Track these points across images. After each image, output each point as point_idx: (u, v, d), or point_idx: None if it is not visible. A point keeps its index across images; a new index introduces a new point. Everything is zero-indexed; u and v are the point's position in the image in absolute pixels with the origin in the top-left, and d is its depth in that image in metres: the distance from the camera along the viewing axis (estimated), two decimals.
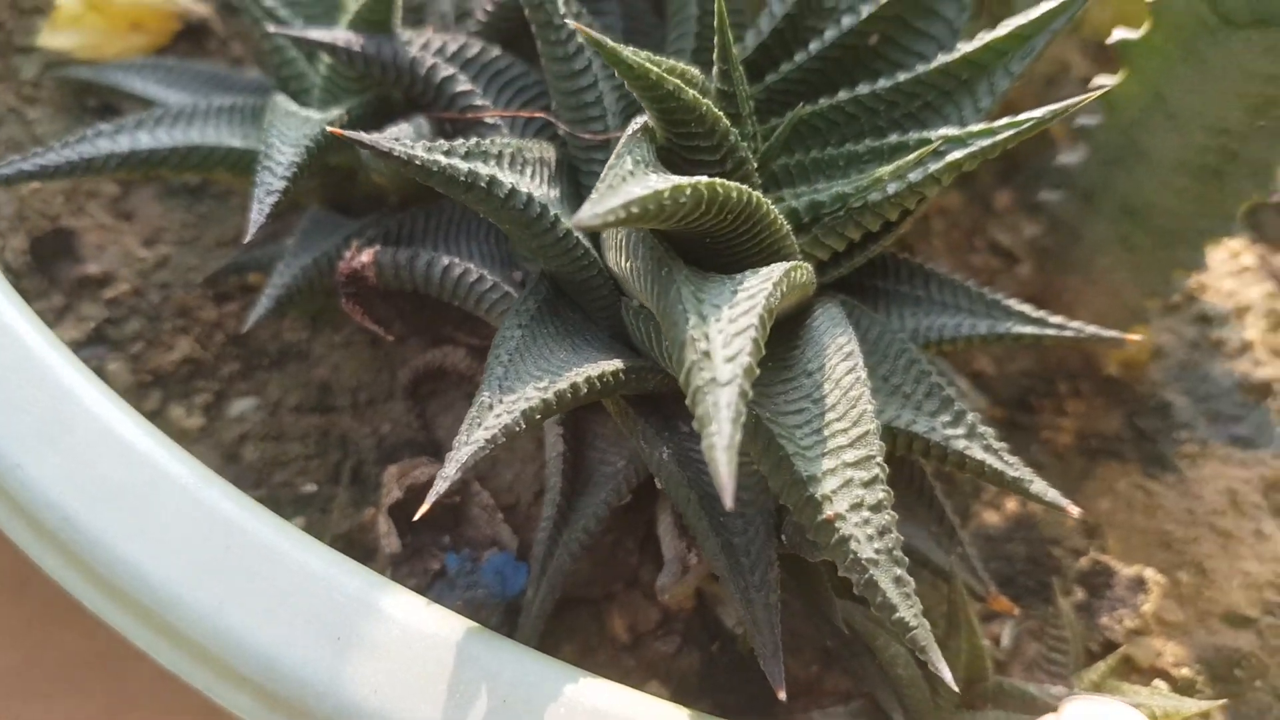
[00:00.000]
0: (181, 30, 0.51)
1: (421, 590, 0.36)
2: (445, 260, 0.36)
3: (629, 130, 0.30)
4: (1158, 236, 0.44)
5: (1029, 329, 0.37)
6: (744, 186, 0.28)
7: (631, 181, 0.26)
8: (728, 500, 0.22)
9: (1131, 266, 0.45)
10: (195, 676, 0.30)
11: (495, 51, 0.39)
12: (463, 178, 0.31)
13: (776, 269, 0.28)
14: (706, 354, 0.25)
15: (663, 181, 0.26)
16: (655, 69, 0.28)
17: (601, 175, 0.27)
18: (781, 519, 0.32)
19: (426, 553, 0.38)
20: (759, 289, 0.27)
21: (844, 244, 0.35)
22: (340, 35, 0.37)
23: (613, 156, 0.28)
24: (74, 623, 0.54)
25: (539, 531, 0.37)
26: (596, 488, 0.37)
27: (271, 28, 0.38)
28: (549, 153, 0.35)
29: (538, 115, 0.36)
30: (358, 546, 0.39)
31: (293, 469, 0.40)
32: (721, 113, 0.31)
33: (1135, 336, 0.38)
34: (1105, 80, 0.42)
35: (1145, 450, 0.48)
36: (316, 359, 0.43)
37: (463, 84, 0.37)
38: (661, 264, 0.28)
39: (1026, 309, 0.37)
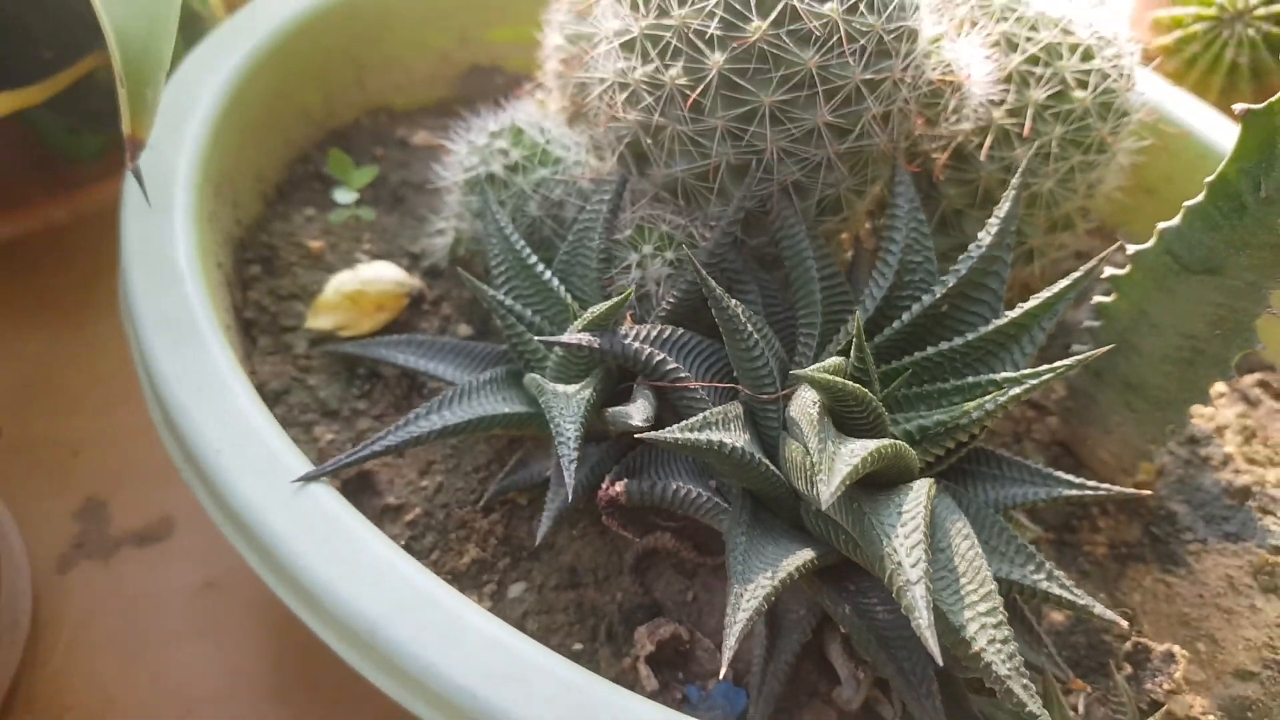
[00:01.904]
0: (409, 301, 0.69)
1: None
2: (675, 485, 0.53)
3: (811, 411, 0.47)
4: (1152, 403, 0.61)
5: (1074, 491, 0.53)
6: (900, 443, 0.45)
7: (838, 459, 0.43)
8: (938, 658, 0.38)
9: (1135, 423, 0.62)
10: None
11: (679, 331, 0.56)
12: (704, 445, 0.48)
13: (921, 492, 0.45)
14: (899, 564, 0.42)
15: (858, 454, 0.43)
16: (839, 380, 0.45)
17: (816, 455, 0.44)
18: None
19: (671, 687, 0.54)
20: (915, 510, 0.44)
21: (944, 450, 0.52)
22: (583, 337, 0.54)
23: (815, 438, 0.45)
24: None
25: (754, 664, 0.53)
26: (788, 631, 0.53)
27: (538, 338, 0.55)
28: (738, 409, 0.52)
29: (726, 385, 0.53)
30: (624, 687, 0.55)
31: (562, 633, 0.56)
32: (862, 386, 0.48)
33: (1146, 493, 0.54)
34: (1102, 299, 0.59)
35: (1160, 551, 0.64)
36: (560, 549, 0.59)
37: (671, 363, 0.54)
38: (850, 501, 0.45)
39: (1071, 478, 0.54)
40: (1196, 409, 0.72)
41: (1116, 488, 0.54)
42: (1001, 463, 0.55)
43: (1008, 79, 0.62)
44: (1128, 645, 0.58)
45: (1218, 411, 0.72)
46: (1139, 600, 0.61)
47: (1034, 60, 0.62)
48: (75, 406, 0.85)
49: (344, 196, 0.73)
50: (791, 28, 0.52)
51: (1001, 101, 0.62)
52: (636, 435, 0.47)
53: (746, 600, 0.46)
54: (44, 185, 0.92)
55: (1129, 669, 0.58)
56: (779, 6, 0.52)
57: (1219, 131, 0.78)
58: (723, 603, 0.57)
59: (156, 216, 0.61)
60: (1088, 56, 0.62)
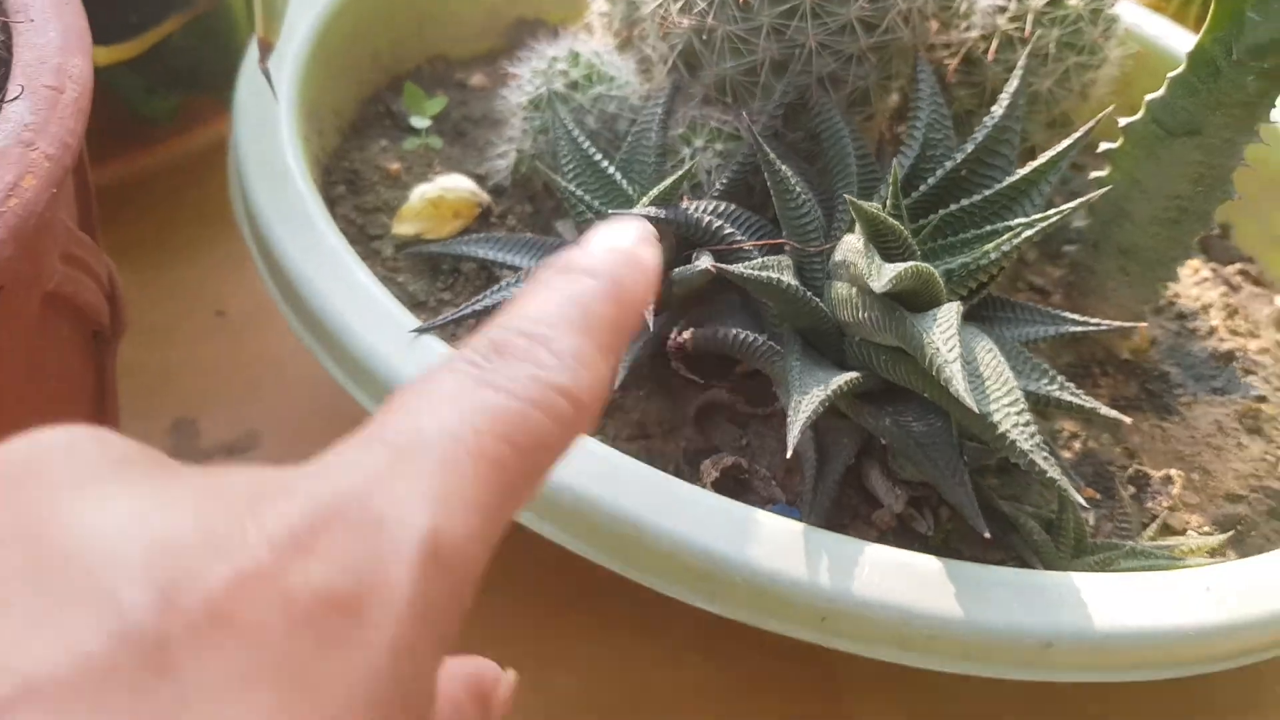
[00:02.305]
0: (480, 212, 0.77)
1: None
2: (734, 331, 0.61)
3: (858, 244, 0.55)
4: (1145, 265, 0.69)
5: (1079, 328, 0.62)
6: (932, 269, 0.53)
7: (886, 268, 0.51)
8: (974, 407, 0.46)
9: (1130, 286, 0.70)
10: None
11: (733, 206, 0.64)
12: (765, 281, 0.56)
13: (951, 307, 0.53)
14: (937, 349, 0.50)
15: (900, 265, 0.51)
16: (881, 213, 0.53)
17: (866, 268, 0.52)
18: (963, 449, 0.57)
19: None
20: (947, 317, 0.52)
21: (967, 291, 0.60)
22: (651, 210, 0.62)
23: (862, 259, 0.53)
24: None
25: (804, 486, 0.61)
26: (834, 457, 0.62)
27: (612, 211, 0.63)
28: (787, 262, 0.61)
29: (777, 242, 0.62)
30: None
31: None
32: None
33: (1143, 325, 0.63)
34: (1099, 173, 0.68)
35: (1156, 404, 0.73)
36: (629, 409, 0.67)
37: (727, 229, 0.62)
38: (893, 310, 0.53)
39: (1076, 316, 0.62)
40: (1184, 292, 0.80)
41: (1117, 323, 0.62)
42: (1015, 307, 0.63)
43: None
44: (1130, 471, 0.67)
45: (1203, 293, 0.80)
46: (1138, 441, 0.70)
47: None
48: (161, 340, 0.93)
49: (419, 123, 0.82)
50: None
51: (1005, 9, 0.70)
52: (711, 267, 0.56)
53: (805, 405, 0.54)
54: (120, 142, 1.01)
55: (1132, 490, 0.66)
56: None
57: None
58: (773, 446, 0.65)
59: (267, 129, 0.69)
60: None
